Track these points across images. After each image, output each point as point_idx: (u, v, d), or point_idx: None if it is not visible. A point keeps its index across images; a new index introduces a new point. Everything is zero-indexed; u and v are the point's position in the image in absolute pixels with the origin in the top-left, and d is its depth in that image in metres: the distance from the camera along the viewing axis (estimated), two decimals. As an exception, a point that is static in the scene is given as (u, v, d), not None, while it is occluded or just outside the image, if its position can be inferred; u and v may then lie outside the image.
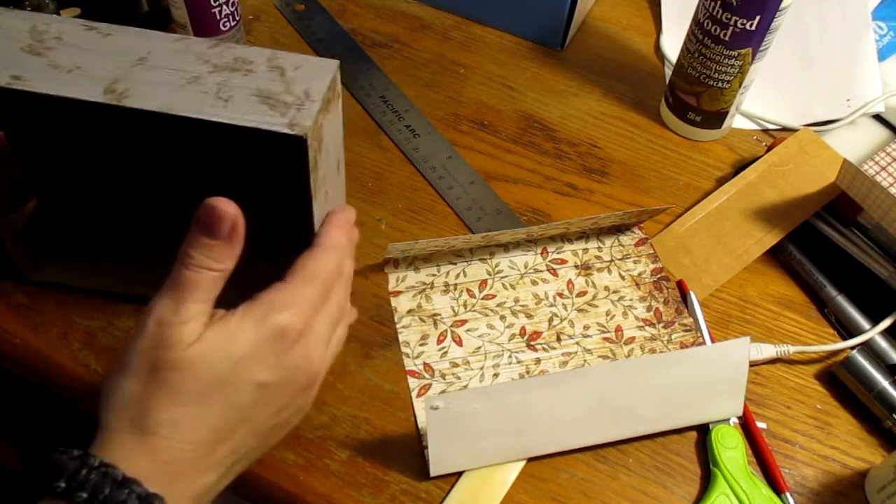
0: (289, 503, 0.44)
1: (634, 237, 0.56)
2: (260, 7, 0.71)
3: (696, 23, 0.57)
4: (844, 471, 0.47)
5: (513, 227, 0.57)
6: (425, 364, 0.49)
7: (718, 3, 0.54)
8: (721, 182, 0.60)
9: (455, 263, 0.53)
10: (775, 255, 0.56)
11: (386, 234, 0.56)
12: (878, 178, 0.57)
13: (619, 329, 0.51)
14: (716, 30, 0.55)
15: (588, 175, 0.61)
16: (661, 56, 0.70)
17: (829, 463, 0.47)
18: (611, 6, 0.74)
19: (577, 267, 0.54)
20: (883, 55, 0.68)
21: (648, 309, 0.52)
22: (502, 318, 0.51)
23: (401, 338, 0.50)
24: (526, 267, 0.53)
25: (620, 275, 0.54)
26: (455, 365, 0.49)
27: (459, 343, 0.50)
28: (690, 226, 0.57)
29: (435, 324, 0.50)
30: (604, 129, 0.64)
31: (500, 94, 0.66)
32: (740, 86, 0.58)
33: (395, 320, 0.51)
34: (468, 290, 0.52)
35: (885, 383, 0.48)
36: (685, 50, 0.59)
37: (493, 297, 0.52)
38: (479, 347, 0.50)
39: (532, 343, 0.50)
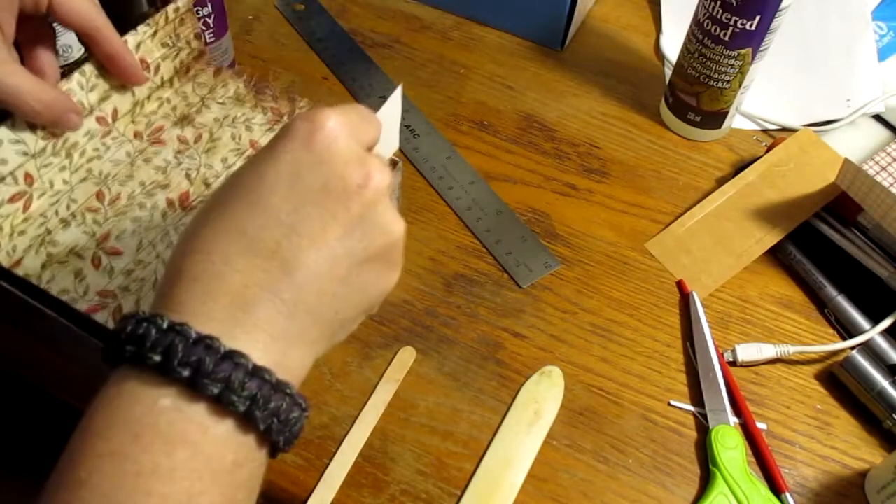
0: (289, 503, 0.45)
1: (208, 71, 0.54)
2: (260, 7, 0.71)
3: (696, 23, 0.57)
4: (844, 471, 0.47)
5: (513, 227, 0.57)
6: (101, 292, 0.44)
7: (718, 3, 0.54)
8: (721, 182, 0.60)
9: (58, 199, 0.48)
10: (775, 255, 0.56)
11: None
12: (878, 178, 0.56)
13: (253, 143, 0.50)
14: (716, 30, 0.55)
15: (588, 175, 0.61)
16: (661, 56, 0.70)
17: (829, 463, 0.47)
18: (611, 6, 0.74)
19: (177, 123, 0.52)
20: (883, 55, 0.68)
21: (264, 111, 0.52)
22: (141, 205, 0.47)
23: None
24: (129, 155, 0.50)
25: (219, 103, 0.53)
26: (129, 273, 0.45)
27: (119, 252, 0.45)
28: (690, 226, 0.57)
29: (81, 257, 0.46)
30: (604, 129, 0.64)
31: (500, 94, 0.66)
32: (740, 86, 0.58)
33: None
34: (90, 209, 0.48)
35: (885, 383, 0.48)
36: (685, 50, 0.59)
37: (119, 197, 0.48)
38: (140, 242, 0.46)
39: (186, 204, 0.48)
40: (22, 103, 0.40)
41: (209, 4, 0.57)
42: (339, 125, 0.31)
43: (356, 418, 0.47)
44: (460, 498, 0.45)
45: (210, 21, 0.57)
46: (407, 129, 0.62)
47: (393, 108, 0.38)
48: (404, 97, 0.64)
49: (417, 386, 0.49)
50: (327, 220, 0.30)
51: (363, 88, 0.65)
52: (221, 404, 0.26)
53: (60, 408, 0.45)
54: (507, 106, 0.65)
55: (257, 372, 0.27)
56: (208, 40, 0.58)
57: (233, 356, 0.27)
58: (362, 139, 0.33)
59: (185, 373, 0.26)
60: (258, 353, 0.28)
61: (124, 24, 0.48)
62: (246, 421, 0.27)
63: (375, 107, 0.37)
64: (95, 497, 0.25)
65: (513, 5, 0.68)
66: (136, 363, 0.27)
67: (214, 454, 0.26)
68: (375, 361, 0.49)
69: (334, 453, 0.46)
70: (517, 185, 0.59)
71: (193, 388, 0.26)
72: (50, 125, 0.44)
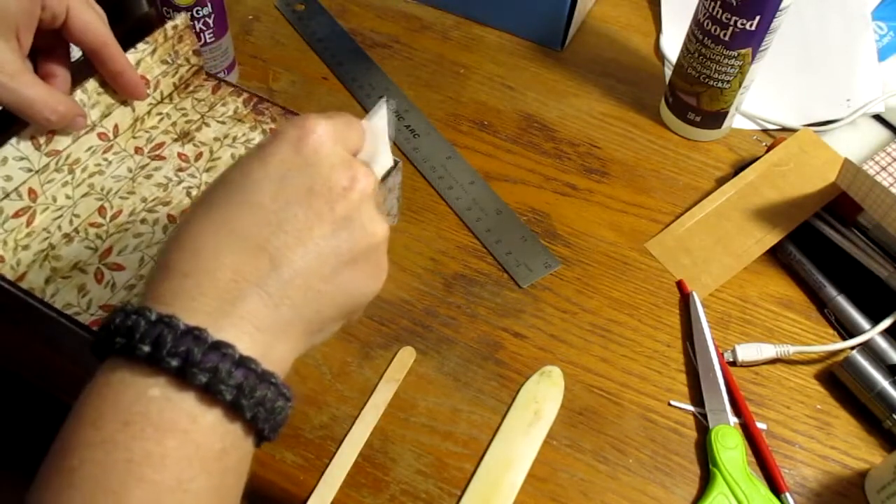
0: (289, 503, 0.45)
1: (207, 87, 0.55)
2: (260, 7, 0.71)
3: (696, 23, 0.57)
4: (844, 471, 0.47)
5: (513, 227, 0.57)
6: (104, 306, 0.45)
7: (718, 3, 0.54)
8: (721, 182, 0.60)
9: (61, 214, 0.49)
10: (775, 255, 0.56)
11: (386, 234, 0.56)
12: (878, 178, 0.56)
13: None
14: (716, 30, 0.55)
15: (588, 175, 0.61)
16: (661, 56, 0.70)
17: (829, 463, 0.47)
18: (611, 6, 0.74)
19: (177, 140, 0.53)
20: (883, 55, 0.68)
21: (264, 133, 0.53)
22: (143, 221, 0.48)
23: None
24: (130, 171, 0.51)
25: (219, 121, 0.53)
26: (131, 288, 0.46)
27: (121, 268, 0.46)
28: (690, 226, 0.57)
29: (84, 271, 0.46)
30: (604, 129, 0.64)
31: (500, 94, 0.66)
32: (740, 86, 0.58)
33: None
34: (92, 224, 0.48)
35: (885, 383, 0.48)
36: (685, 50, 0.59)
37: (121, 212, 0.49)
38: (142, 258, 0.47)
39: None
40: (37, 113, 0.42)
41: (209, 4, 0.57)
42: (326, 131, 0.32)
43: (356, 418, 0.47)
44: (460, 498, 0.45)
45: (210, 21, 0.57)
46: (407, 129, 0.62)
47: (378, 121, 0.38)
48: (404, 98, 0.64)
49: (417, 386, 0.49)
50: (313, 219, 0.31)
51: (363, 88, 0.65)
52: (210, 393, 0.27)
53: (60, 408, 0.45)
54: (507, 106, 0.65)
55: (244, 362, 0.28)
56: (208, 40, 0.58)
57: (220, 346, 0.27)
58: (348, 145, 0.34)
59: (174, 363, 0.27)
60: (244, 344, 0.28)
61: (124, 24, 0.48)
62: (233, 409, 0.28)
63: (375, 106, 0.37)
64: (87, 484, 0.26)
65: (513, 5, 0.68)
66: (126, 354, 0.27)
67: (203, 442, 0.27)
68: (375, 361, 0.49)
69: (334, 453, 0.46)
70: (517, 185, 0.59)
71: (182, 377, 0.27)
72: (59, 129, 0.46)
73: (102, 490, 0.25)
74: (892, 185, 0.56)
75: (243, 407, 0.28)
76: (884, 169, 0.57)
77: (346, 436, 0.46)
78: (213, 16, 0.57)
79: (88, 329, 0.42)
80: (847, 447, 0.48)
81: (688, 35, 0.59)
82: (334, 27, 0.70)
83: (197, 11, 0.56)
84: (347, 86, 0.65)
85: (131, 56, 0.48)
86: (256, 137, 0.53)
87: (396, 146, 0.61)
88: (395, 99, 0.64)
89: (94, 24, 0.44)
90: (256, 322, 0.29)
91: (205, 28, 0.58)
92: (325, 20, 0.71)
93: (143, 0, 0.65)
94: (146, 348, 0.27)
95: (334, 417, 0.47)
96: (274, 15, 0.71)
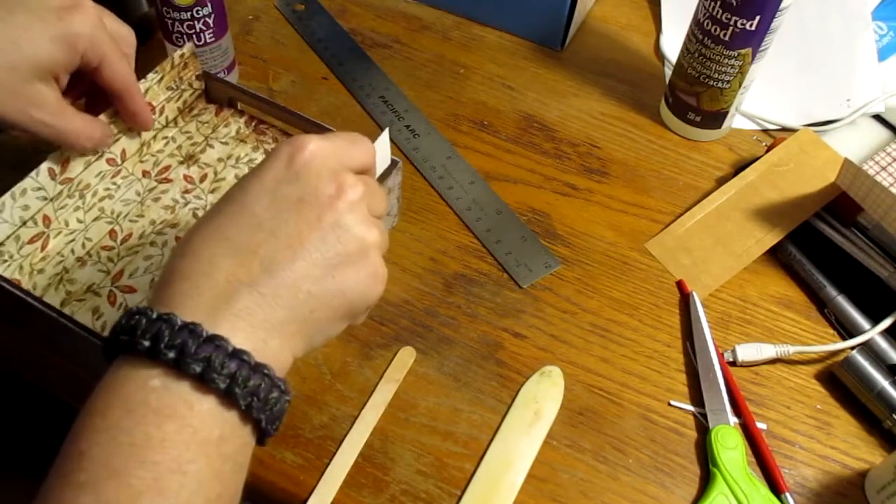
0: (289, 503, 0.45)
1: (210, 109, 0.56)
2: (260, 7, 0.71)
3: (696, 23, 0.57)
4: (844, 471, 0.47)
5: (513, 227, 0.57)
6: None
7: (718, 3, 0.54)
8: (721, 182, 0.60)
9: (73, 238, 0.50)
10: (775, 255, 0.56)
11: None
12: (878, 178, 0.56)
13: None
14: (716, 30, 0.55)
15: (588, 175, 0.61)
16: (661, 56, 0.70)
17: (829, 463, 0.47)
18: (611, 6, 0.74)
19: (182, 162, 0.54)
20: (883, 55, 0.68)
21: (265, 153, 0.53)
22: (153, 243, 0.50)
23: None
24: (138, 194, 0.52)
25: (222, 142, 0.55)
26: None
27: (133, 290, 0.48)
28: (690, 226, 0.57)
29: (97, 294, 0.47)
30: (604, 129, 0.64)
31: (500, 94, 0.66)
32: (740, 86, 0.58)
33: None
34: (104, 248, 0.49)
35: (885, 383, 0.48)
36: (685, 50, 0.59)
37: (131, 235, 0.50)
38: (153, 280, 0.48)
39: None
40: (75, 143, 0.46)
41: (209, 4, 0.57)
42: (318, 147, 0.35)
43: (356, 418, 0.47)
44: (460, 498, 0.45)
45: (210, 21, 0.57)
46: (407, 129, 0.62)
47: (381, 145, 0.42)
48: (404, 98, 0.64)
49: (417, 386, 0.49)
50: (302, 226, 0.33)
51: (363, 88, 0.65)
52: (204, 382, 0.29)
53: (60, 408, 0.45)
54: (507, 106, 0.65)
55: (237, 354, 0.30)
56: (208, 40, 0.58)
57: (214, 339, 0.30)
58: (345, 161, 0.36)
59: (171, 354, 0.29)
60: (239, 339, 0.30)
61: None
62: (227, 398, 0.30)
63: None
64: (94, 466, 0.28)
65: (513, 5, 0.68)
66: (130, 351, 0.30)
67: (201, 427, 0.29)
68: (375, 361, 0.49)
69: (334, 453, 0.46)
70: (517, 185, 0.59)
71: (178, 367, 0.29)
72: (91, 151, 0.49)
73: (108, 471, 0.28)
74: (892, 185, 0.56)
75: (237, 395, 0.30)
76: (884, 169, 0.57)
77: (346, 436, 0.46)
78: (213, 16, 0.57)
79: (87, 328, 0.42)
80: (847, 447, 0.48)
81: (688, 35, 0.59)
82: (334, 27, 0.70)
83: (197, 11, 0.56)
84: (347, 86, 0.65)
85: (140, 85, 0.50)
86: (258, 157, 0.54)
87: (396, 146, 0.61)
88: (395, 99, 0.64)
89: (123, 72, 0.46)
90: (251, 319, 0.31)
91: (205, 28, 0.58)
92: (325, 20, 0.71)
93: (143, 0, 0.66)
94: (146, 343, 0.29)
95: (334, 417, 0.47)
96: (274, 15, 0.71)
